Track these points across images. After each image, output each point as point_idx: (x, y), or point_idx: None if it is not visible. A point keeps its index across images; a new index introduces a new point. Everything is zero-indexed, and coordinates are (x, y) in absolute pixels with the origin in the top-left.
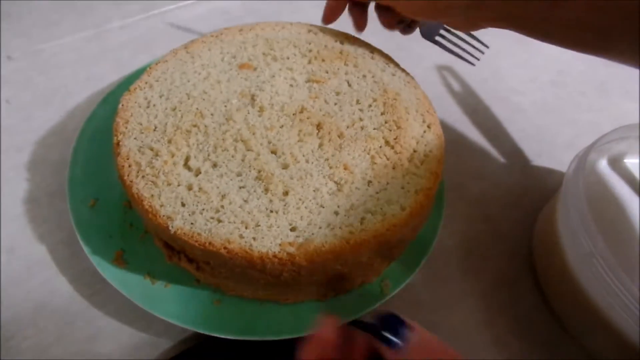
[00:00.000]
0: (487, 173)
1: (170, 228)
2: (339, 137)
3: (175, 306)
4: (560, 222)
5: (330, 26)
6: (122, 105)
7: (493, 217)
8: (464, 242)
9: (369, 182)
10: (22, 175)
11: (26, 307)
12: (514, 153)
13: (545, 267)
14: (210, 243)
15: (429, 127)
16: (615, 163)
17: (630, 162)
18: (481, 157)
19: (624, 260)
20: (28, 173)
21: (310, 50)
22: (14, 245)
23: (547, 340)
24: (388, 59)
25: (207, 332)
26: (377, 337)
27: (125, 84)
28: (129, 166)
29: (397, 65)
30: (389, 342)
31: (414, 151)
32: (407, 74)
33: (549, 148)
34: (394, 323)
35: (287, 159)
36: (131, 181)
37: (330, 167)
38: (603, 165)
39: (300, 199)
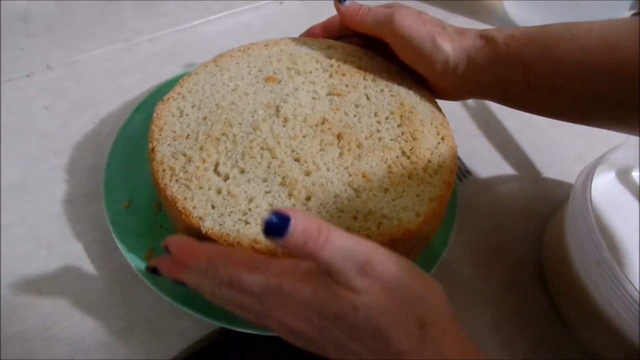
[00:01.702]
0: (499, 184)
1: (202, 228)
2: (358, 147)
3: (202, 302)
4: (568, 231)
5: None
6: (157, 114)
7: (504, 226)
8: (475, 249)
9: (386, 189)
10: (60, 177)
11: (64, 299)
12: (525, 165)
13: (554, 275)
14: (238, 243)
15: (442, 139)
16: (623, 176)
17: (637, 175)
18: (493, 168)
19: (629, 268)
20: (66, 175)
21: (331, 65)
22: (53, 242)
23: (555, 344)
24: (404, 74)
25: (232, 327)
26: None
27: (156, 94)
28: (163, 170)
29: (412, 80)
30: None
31: (429, 161)
32: (423, 88)
33: (560, 160)
34: (273, 226)
35: (310, 166)
36: (165, 184)
37: (350, 175)
38: (611, 177)
39: (321, 204)
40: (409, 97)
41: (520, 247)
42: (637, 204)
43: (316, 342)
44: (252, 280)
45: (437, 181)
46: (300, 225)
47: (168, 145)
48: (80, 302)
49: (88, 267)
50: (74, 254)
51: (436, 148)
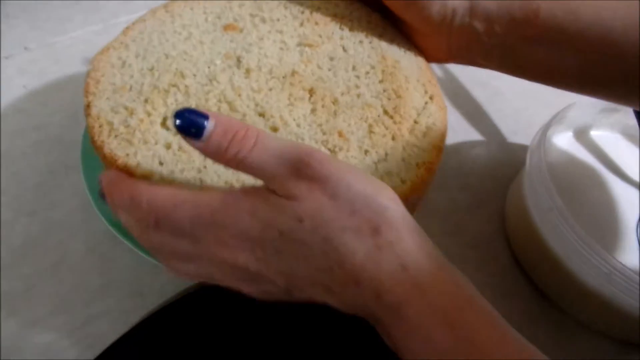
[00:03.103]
0: (466, 148)
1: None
2: (333, 103)
3: None
4: (526, 184)
5: None
6: (94, 65)
7: (470, 186)
8: (442, 208)
9: (366, 151)
10: (41, 151)
11: (46, 262)
12: (492, 132)
13: (514, 228)
14: None
15: (431, 98)
16: (580, 135)
17: (595, 134)
18: (461, 135)
19: (581, 218)
20: (46, 148)
21: (302, 12)
22: (35, 209)
23: (516, 292)
24: (386, 24)
25: None
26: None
27: None
28: (100, 126)
29: (396, 31)
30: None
31: (415, 122)
32: (407, 41)
33: (525, 127)
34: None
35: (276, 122)
36: (102, 141)
37: (324, 134)
38: (568, 136)
39: None
40: (392, 51)
41: (486, 206)
42: (594, 159)
43: (264, 278)
44: (181, 215)
45: (425, 145)
46: (222, 124)
47: (107, 99)
48: (61, 264)
49: (69, 232)
50: (54, 220)
51: (424, 108)
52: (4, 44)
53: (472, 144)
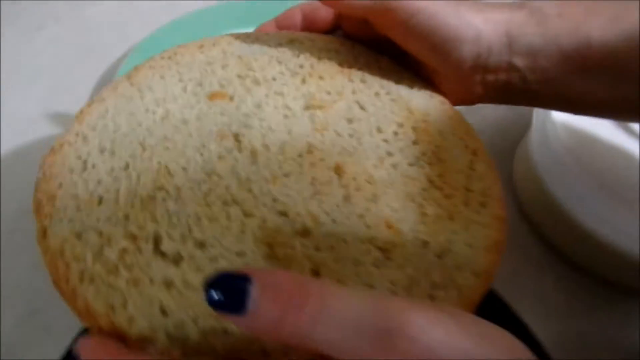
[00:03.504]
0: (475, 109)
1: (151, 353)
2: (368, 182)
3: None
4: (533, 142)
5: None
6: (44, 172)
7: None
8: None
9: (425, 242)
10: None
11: None
12: None
13: (521, 184)
14: None
15: (474, 154)
16: None
17: None
18: None
19: (586, 168)
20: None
21: (301, 66)
22: None
23: (523, 245)
24: (399, 68)
25: None
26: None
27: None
28: (66, 266)
29: (412, 75)
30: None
31: (467, 190)
32: (426, 84)
33: None
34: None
35: (306, 221)
36: (74, 288)
37: (368, 228)
38: None
39: (338, 280)
40: (416, 100)
41: (495, 163)
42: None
43: None
44: None
45: (487, 219)
46: (270, 285)
47: (69, 221)
48: None
49: None
50: None
51: (471, 169)
52: (36, 16)
53: (481, 105)
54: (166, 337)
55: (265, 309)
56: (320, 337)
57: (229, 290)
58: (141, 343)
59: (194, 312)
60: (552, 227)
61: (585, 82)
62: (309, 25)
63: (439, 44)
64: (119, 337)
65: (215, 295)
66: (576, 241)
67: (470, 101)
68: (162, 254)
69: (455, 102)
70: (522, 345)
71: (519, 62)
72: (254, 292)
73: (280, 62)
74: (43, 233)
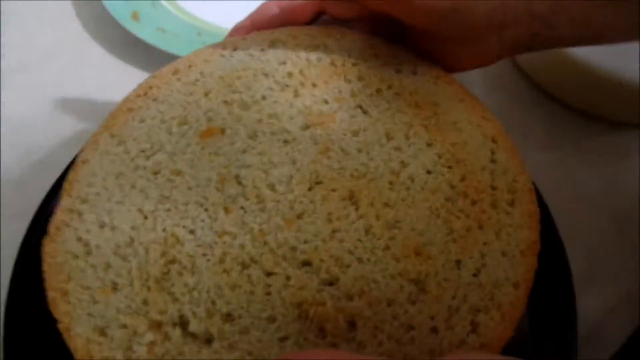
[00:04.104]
0: None
1: None
2: (387, 205)
3: None
4: None
5: None
6: (48, 264)
7: None
8: None
9: (458, 262)
10: None
11: None
12: None
13: None
14: None
15: (494, 141)
16: None
17: None
18: None
19: None
20: None
21: (289, 75)
22: None
23: (508, 84)
24: (395, 50)
25: None
26: None
27: None
28: None
29: (411, 54)
30: None
31: (493, 189)
32: (430, 65)
33: None
34: None
35: (332, 269)
36: None
37: (397, 260)
38: None
39: (375, 328)
40: (421, 87)
41: None
42: None
43: None
44: None
45: (518, 218)
46: None
47: (88, 316)
48: None
49: None
50: None
51: (493, 161)
52: None
53: None
54: None
55: None
56: None
57: None
58: None
59: None
60: (537, 62)
61: (614, 10)
62: (288, 18)
63: (450, 11)
64: None
65: None
66: (560, 74)
67: (487, 62)
68: (193, 336)
69: (471, 67)
70: None
71: (540, 7)
72: None
73: (266, 75)
74: (67, 332)
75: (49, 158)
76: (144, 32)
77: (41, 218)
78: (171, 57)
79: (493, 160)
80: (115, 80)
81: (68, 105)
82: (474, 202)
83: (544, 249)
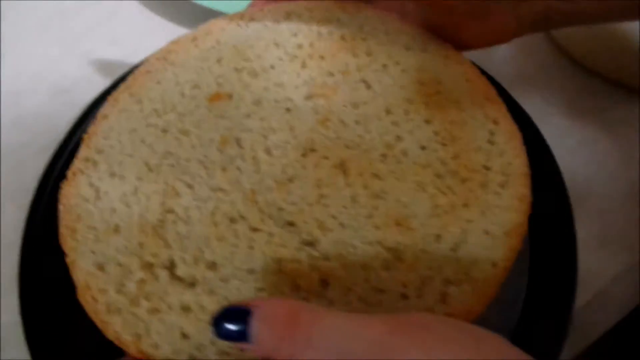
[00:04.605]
0: None
1: None
2: (375, 176)
3: None
4: None
5: None
6: (63, 205)
7: None
8: None
9: (438, 236)
10: None
11: None
12: None
13: None
14: None
15: (495, 122)
16: None
17: None
18: None
19: None
20: None
21: (299, 46)
22: None
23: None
24: (408, 27)
25: None
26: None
27: None
28: (94, 299)
29: (423, 32)
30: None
31: (486, 169)
32: (443, 42)
33: None
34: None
35: (313, 230)
36: (103, 321)
37: (377, 228)
38: None
39: (347, 288)
40: (428, 65)
41: None
42: None
43: None
44: None
45: (507, 200)
46: (269, 318)
47: (92, 253)
48: None
49: None
50: None
51: (490, 142)
52: None
53: None
54: (189, 359)
55: (264, 339)
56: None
57: (233, 324)
58: None
59: (212, 334)
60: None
61: None
62: None
63: None
64: None
65: (222, 329)
66: (589, 40)
67: (503, 40)
68: (178, 279)
69: (486, 44)
70: (511, 347)
71: None
72: (254, 326)
73: (277, 45)
74: (73, 265)
75: (78, 97)
76: None
77: (59, 159)
78: (200, 11)
79: (490, 142)
80: (146, 31)
81: (98, 51)
82: (463, 181)
83: (552, 209)
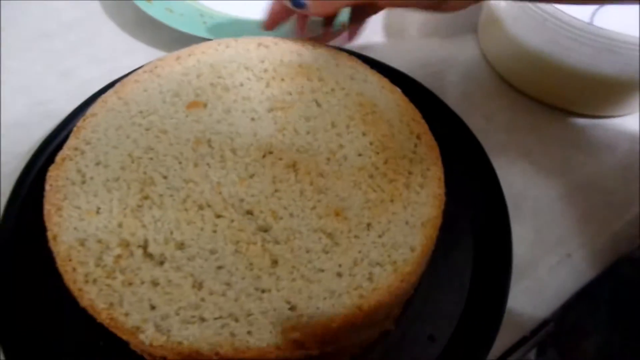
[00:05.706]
0: None
1: (143, 342)
2: (320, 175)
3: None
4: None
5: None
6: (50, 185)
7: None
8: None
9: (368, 225)
10: None
11: None
12: None
13: (484, 26)
14: (197, 352)
15: (418, 137)
16: None
17: None
18: None
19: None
20: None
21: (265, 70)
22: None
23: (479, 76)
24: (354, 61)
25: None
26: None
27: None
28: (73, 270)
29: (366, 67)
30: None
31: (409, 173)
32: (381, 77)
33: None
34: None
35: (267, 218)
36: (80, 289)
37: (320, 218)
38: None
39: (293, 267)
40: (367, 92)
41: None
42: None
43: None
44: None
45: (425, 198)
46: None
47: (74, 229)
48: None
49: None
50: None
51: (414, 152)
52: None
53: None
54: (154, 327)
55: None
56: None
57: None
58: (135, 333)
59: (175, 305)
60: (503, 56)
61: None
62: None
63: None
64: (118, 328)
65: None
66: (522, 66)
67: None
68: (150, 256)
69: (459, 6)
70: None
71: None
72: None
73: (247, 68)
74: (54, 239)
75: (56, 109)
76: (155, 11)
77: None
78: (175, 35)
79: (414, 152)
80: (124, 50)
81: (78, 69)
82: (391, 181)
83: (491, 210)
